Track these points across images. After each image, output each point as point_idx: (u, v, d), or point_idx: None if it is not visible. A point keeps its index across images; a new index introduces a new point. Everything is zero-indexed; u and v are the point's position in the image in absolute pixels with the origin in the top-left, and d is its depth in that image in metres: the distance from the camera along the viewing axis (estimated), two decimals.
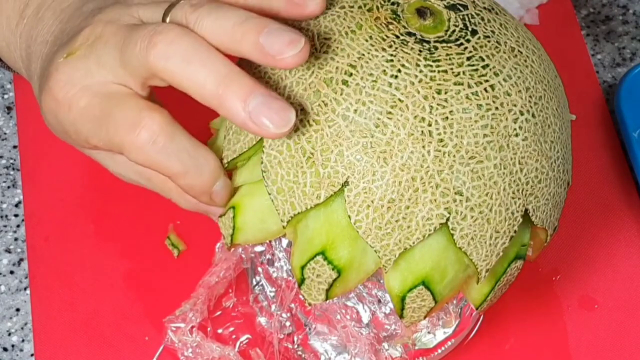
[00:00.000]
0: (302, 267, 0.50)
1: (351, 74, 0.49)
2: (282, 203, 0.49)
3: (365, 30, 0.49)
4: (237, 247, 0.62)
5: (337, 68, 0.49)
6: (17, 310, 0.66)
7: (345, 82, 0.48)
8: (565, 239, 0.69)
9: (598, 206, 0.71)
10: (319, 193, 0.49)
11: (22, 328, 0.66)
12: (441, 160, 0.48)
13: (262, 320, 0.63)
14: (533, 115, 0.50)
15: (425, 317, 0.52)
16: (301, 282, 0.51)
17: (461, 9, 0.51)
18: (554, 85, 0.52)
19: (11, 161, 0.72)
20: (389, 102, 0.48)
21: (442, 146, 0.48)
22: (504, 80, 0.50)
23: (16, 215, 0.69)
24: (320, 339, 0.61)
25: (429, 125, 0.48)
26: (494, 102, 0.49)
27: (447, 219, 0.49)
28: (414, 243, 0.49)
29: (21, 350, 0.65)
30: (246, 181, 0.52)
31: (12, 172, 0.71)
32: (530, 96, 0.50)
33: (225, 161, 0.52)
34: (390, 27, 0.50)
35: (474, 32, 0.50)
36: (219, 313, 0.64)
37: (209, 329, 0.63)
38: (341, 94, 0.48)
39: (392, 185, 0.48)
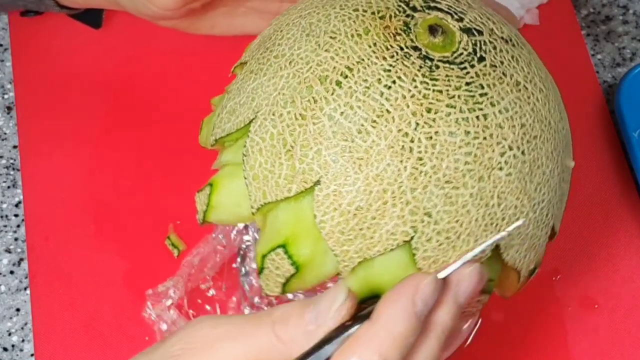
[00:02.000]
0: (264, 256, 0.50)
1: (346, 76, 0.48)
2: (256, 190, 0.49)
3: (372, 36, 0.49)
4: (215, 228, 0.62)
5: (334, 68, 0.49)
6: (17, 310, 0.66)
7: (338, 83, 0.48)
8: (565, 239, 0.69)
9: (598, 206, 0.71)
10: (290, 187, 0.49)
11: (22, 328, 0.66)
12: (416, 178, 0.47)
13: (245, 310, 0.63)
14: (523, 153, 0.49)
15: None
16: (261, 270, 0.51)
17: (476, 34, 0.50)
18: (556, 128, 0.51)
19: (11, 161, 0.72)
20: (376, 111, 0.48)
21: (420, 165, 0.47)
22: (499, 112, 0.49)
23: (16, 215, 0.69)
24: None
25: (412, 141, 0.47)
26: (483, 131, 0.48)
27: (412, 238, 0.48)
28: (374, 255, 0.48)
29: (21, 350, 0.65)
30: (229, 162, 0.52)
31: (12, 172, 0.71)
32: (524, 133, 0.49)
33: (213, 138, 0.52)
34: (398, 37, 0.49)
35: (481, 59, 0.50)
36: (200, 300, 0.65)
37: (190, 312, 0.63)
38: (332, 94, 0.48)
39: (362, 193, 0.48)
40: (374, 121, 0.48)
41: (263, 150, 0.49)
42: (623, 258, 0.69)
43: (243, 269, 0.64)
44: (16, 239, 0.69)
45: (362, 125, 0.48)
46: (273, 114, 0.49)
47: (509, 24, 0.54)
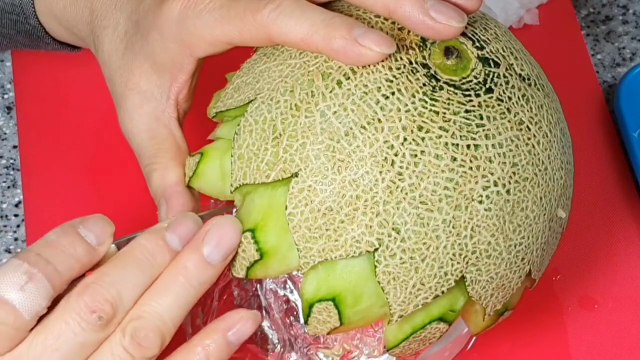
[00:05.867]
0: None
1: (348, 78, 0.49)
2: (238, 169, 0.50)
3: None
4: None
5: (339, 67, 0.49)
6: None
7: (339, 83, 0.49)
8: (565, 239, 0.69)
9: (598, 206, 0.71)
10: (269, 173, 0.49)
11: None
12: (392, 192, 0.47)
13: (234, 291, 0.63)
14: (508, 192, 0.48)
15: (328, 334, 0.51)
16: None
17: (492, 65, 0.50)
18: (552, 176, 0.51)
19: (11, 161, 0.72)
20: (368, 117, 0.48)
21: (399, 180, 0.47)
22: (493, 146, 0.48)
23: (16, 215, 0.69)
24: (273, 330, 0.62)
25: (395, 155, 0.47)
26: (471, 161, 0.48)
27: (376, 250, 0.48)
28: (335, 257, 0.48)
29: None
30: (223, 136, 0.53)
31: (12, 172, 0.71)
32: (514, 172, 0.49)
33: (215, 111, 0.53)
34: (410, 52, 0.49)
35: (489, 90, 0.49)
36: None
37: None
38: (331, 92, 0.48)
39: (335, 195, 0.48)
40: (363, 127, 0.48)
41: (253, 132, 0.50)
42: (623, 258, 0.69)
43: None
44: (16, 239, 0.69)
45: (351, 128, 0.48)
46: (271, 99, 0.50)
47: (536, 64, 0.53)
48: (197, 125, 0.61)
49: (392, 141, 0.47)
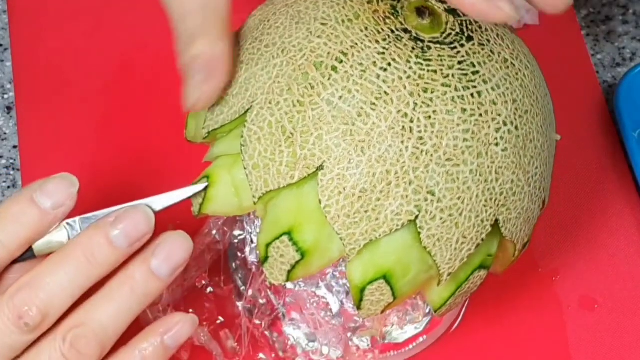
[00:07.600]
0: (268, 245, 0.50)
1: (341, 61, 0.49)
2: (257, 179, 0.50)
3: (362, 21, 0.50)
4: (205, 224, 0.63)
5: (328, 53, 0.49)
6: None
7: (334, 68, 0.49)
8: (565, 238, 0.69)
9: (598, 206, 0.71)
10: (293, 173, 0.49)
11: None
12: (418, 157, 0.48)
13: (238, 304, 0.63)
14: (516, 128, 0.50)
15: (382, 312, 0.51)
16: (265, 260, 0.51)
17: (460, 14, 0.51)
18: (543, 102, 0.52)
19: (11, 161, 0.72)
20: (375, 94, 0.48)
21: (421, 144, 0.48)
22: (492, 89, 0.50)
23: None
24: (294, 327, 0.61)
25: (411, 121, 0.48)
26: (479, 108, 0.49)
27: (416, 217, 0.49)
28: (380, 236, 0.49)
29: None
30: (223, 153, 0.52)
31: (12, 172, 0.71)
32: (516, 109, 0.50)
33: (205, 131, 0.52)
34: (387, 21, 0.50)
35: (469, 38, 0.51)
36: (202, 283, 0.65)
37: (190, 311, 0.63)
38: (329, 79, 0.49)
39: (366, 176, 0.48)
40: (373, 103, 0.48)
41: (262, 139, 0.49)
42: (623, 258, 0.69)
43: (233, 265, 0.64)
44: None
45: (362, 108, 0.48)
46: (270, 103, 0.50)
47: None
48: (195, 156, 0.62)
49: (404, 109, 0.48)
